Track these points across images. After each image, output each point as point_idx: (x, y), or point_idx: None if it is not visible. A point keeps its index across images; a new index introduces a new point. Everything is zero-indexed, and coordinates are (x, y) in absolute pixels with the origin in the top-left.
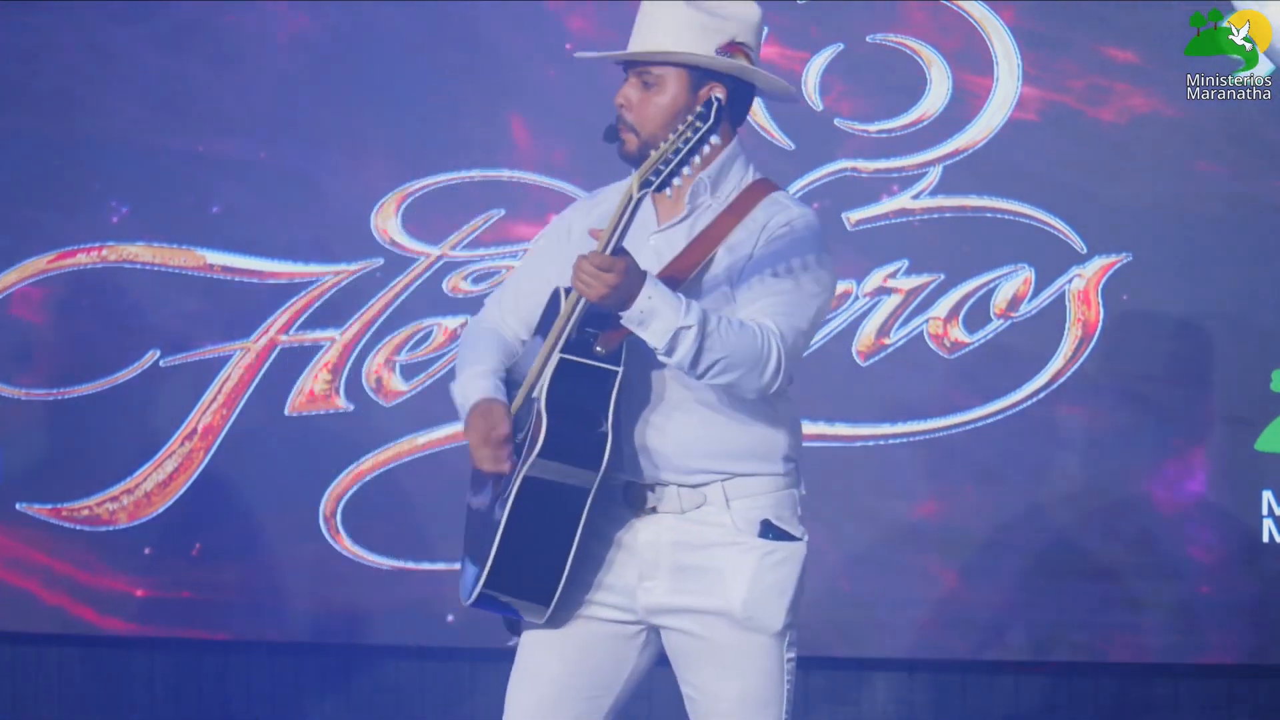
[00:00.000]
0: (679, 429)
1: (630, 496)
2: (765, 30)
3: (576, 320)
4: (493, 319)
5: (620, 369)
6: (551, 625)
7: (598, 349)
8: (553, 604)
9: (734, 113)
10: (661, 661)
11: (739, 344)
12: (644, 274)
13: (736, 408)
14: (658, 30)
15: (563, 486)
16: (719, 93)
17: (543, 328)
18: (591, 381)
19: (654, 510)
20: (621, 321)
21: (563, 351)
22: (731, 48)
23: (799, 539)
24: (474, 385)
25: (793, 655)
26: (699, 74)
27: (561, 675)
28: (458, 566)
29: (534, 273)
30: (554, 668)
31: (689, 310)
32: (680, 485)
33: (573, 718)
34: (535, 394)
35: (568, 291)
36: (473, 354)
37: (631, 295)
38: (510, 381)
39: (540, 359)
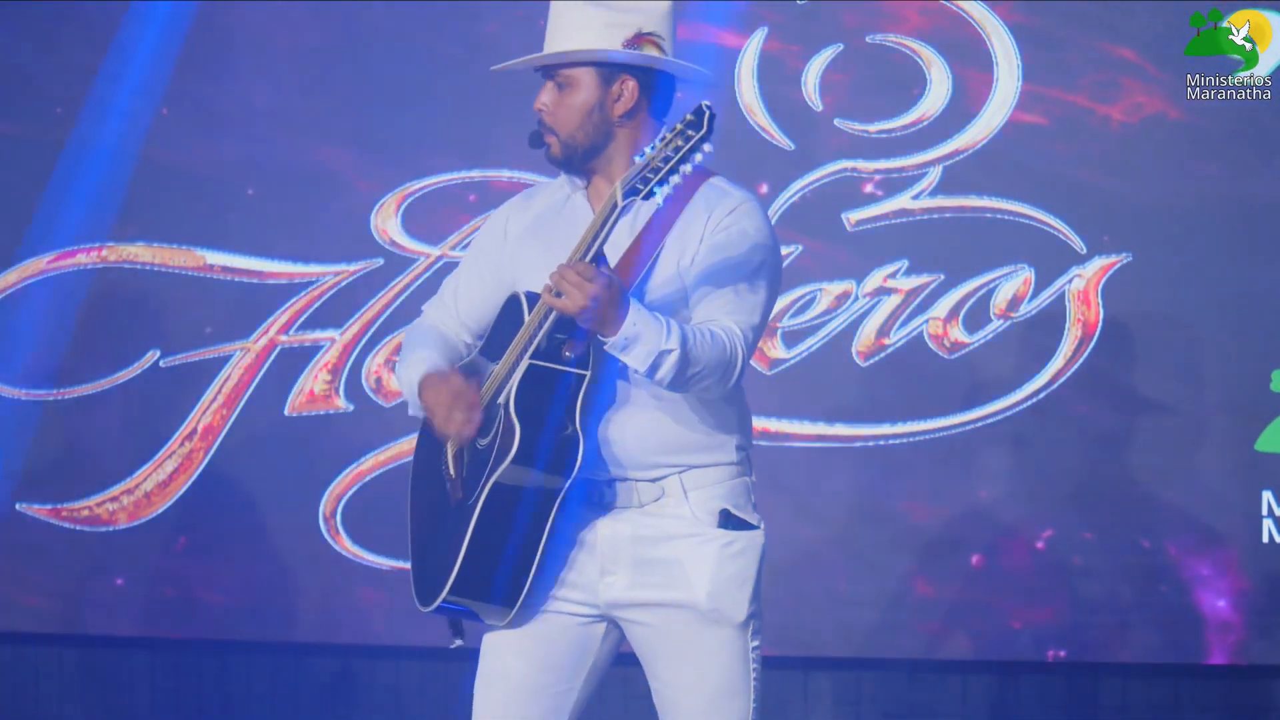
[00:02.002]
0: (635, 425)
1: (589, 493)
2: (674, 19)
3: (549, 326)
4: (433, 321)
5: (589, 372)
6: (512, 626)
7: (566, 353)
8: (516, 607)
9: (656, 103)
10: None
11: (711, 355)
12: (628, 296)
13: (690, 400)
14: (564, 32)
15: (532, 491)
16: (630, 85)
17: (497, 333)
18: (560, 386)
19: (613, 506)
20: (605, 348)
21: (532, 357)
22: (639, 39)
23: (756, 527)
24: (424, 365)
25: (757, 644)
26: (608, 69)
27: (527, 674)
28: None
29: (473, 274)
30: (519, 667)
31: (670, 333)
32: (638, 480)
33: (540, 715)
34: (501, 399)
35: (529, 297)
36: (417, 346)
37: (607, 307)
38: None
39: (505, 365)
